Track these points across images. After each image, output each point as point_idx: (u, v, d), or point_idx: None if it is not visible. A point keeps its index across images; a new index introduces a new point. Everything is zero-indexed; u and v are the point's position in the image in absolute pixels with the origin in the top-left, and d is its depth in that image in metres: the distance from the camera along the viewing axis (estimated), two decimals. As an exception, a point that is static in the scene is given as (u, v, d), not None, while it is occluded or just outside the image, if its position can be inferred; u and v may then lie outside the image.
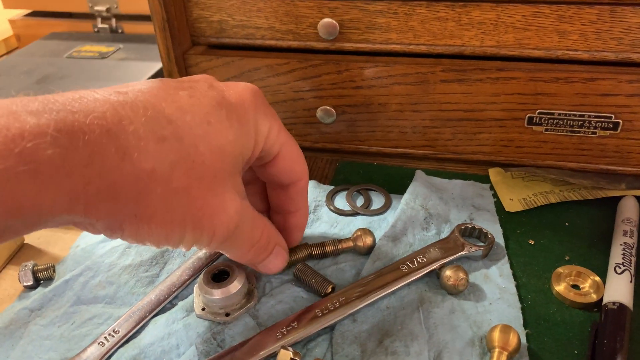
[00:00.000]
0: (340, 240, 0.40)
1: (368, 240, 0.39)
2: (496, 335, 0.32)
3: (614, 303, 0.33)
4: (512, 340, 0.31)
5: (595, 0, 0.39)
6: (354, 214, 0.45)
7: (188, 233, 0.28)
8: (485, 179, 0.47)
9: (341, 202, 0.46)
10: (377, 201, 0.46)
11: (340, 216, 0.44)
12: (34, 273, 0.39)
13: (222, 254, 0.41)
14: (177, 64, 0.48)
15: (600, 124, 0.43)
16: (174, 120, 0.27)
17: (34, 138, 0.21)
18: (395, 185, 0.47)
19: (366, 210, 0.45)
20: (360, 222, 0.44)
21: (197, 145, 0.27)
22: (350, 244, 0.40)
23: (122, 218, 0.25)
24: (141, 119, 0.25)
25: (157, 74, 0.62)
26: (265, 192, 0.39)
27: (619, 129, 0.43)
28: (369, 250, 0.39)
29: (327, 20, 0.44)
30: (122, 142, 0.24)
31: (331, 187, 0.47)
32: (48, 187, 0.22)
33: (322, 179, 0.49)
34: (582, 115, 0.43)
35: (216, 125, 0.28)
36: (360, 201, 0.46)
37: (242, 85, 0.32)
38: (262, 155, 0.33)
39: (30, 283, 0.39)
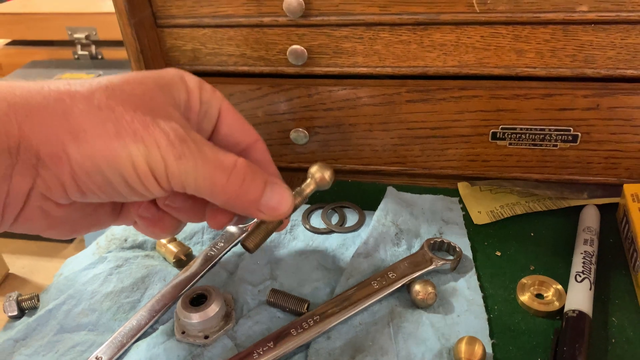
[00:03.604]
0: (302, 189, 0.37)
1: (327, 173, 0.36)
2: (462, 347, 0.33)
3: (573, 311, 0.35)
4: (478, 351, 0.33)
5: (548, 21, 0.41)
6: (329, 231, 0.46)
7: (131, 146, 0.27)
8: (455, 193, 0.49)
9: (317, 220, 0.47)
10: (352, 218, 0.48)
11: (316, 234, 0.46)
12: (19, 303, 0.40)
13: (201, 277, 0.42)
14: (153, 93, 0.50)
15: (560, 137, 0.45)
16: (92, 79, 0.30)
17: None
18: (370, 202, 0.49)
19: (341, 227, 0.46)
20: (335, 239, 0.45)
21: (111, 79, 0.30)
22: (312, 185, 0.37)
23: (59, 137, 0.27)
24: (60, 80, 0.29)
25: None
26: None
27: (578, 140, 0.45)
28: (330, 183, 0.37)
29: (295, 46, 0.46)
30: (41, 83, 0.28)
31: (307, 206, 0.49)
32: None
33: (298, 199, 0.50)
34: (543, 129, 0.45)
35: (135, 74, 0.31)
36: (335, 219, 0.48)
37: None
38: (206, 110, 0.34)
39: (15, 313, 0.40)
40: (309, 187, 0.36)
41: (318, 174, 0.36)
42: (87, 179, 0.28)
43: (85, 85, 0.28)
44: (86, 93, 0.28)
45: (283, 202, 0.32)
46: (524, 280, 0.39)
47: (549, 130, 0.45)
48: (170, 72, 0.33)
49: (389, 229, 0.44)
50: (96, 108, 0.27)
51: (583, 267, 0.38)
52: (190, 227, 0.47)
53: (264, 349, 0.35)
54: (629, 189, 0.42)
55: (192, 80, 0.34)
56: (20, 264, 0.45)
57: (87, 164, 0.27)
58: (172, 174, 0.29)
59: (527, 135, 0.45)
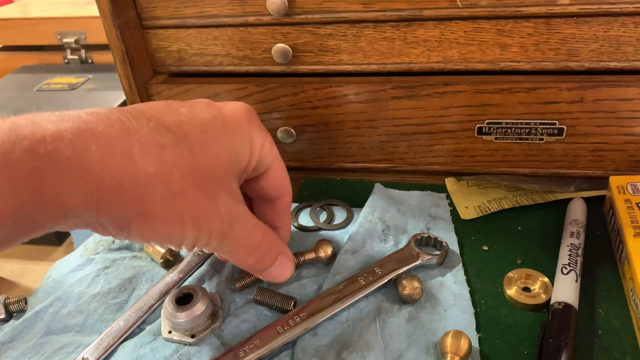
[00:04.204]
0: (302, 253, 0.41)
1: (328, 250, 0.41)
2: (448, 341, 0.33)
3: (559, 303, 0.35)
4: (463, 345, 0.33)
5: (530, 14, 0.41)
6: (317, 229, 0.46)
7: (187, 231, 0.30)
8: (442, 189, 0.49)
9: (305, 218, 0.47)
10: (340, 216, 0.47)
11: (304, 232, 0.46)
12: (6, 306, 0.40)
13: (189, 277, 0.42)
14: (140, 94, 0.50)
15: (546, 131, 0.45)
16: (173, 130, 0.30)
17: (54, 141, 0.25)
18: (359, 199, 0.48)
19: (329, 225, 0.46)
20: (323, 236, 0.45)
21: (194, 150, 0.30)
22: (312, 254, 0.41)
23: (130, 217, 0.28)
24: (144, 129, 0.29)
25: (125, 104, 0.64)
26: (250, 208, 0.40)
27: (564, 134, 0.45)
28: (330, 260, 0.41)
29: (280, 45, 0.46)
30: (128, 148, 0.28)
31: (295, 205, 0.49)
32: (69, 182, 0.25)
33: (286, 197, 0.50)
34: (529, 123, 0.45)
35: (212, 133, 0.32)
36: (323, 217, 0.48)
37: (237, 103, 0.36)
38: (256, 166, 0.36)
39: (2, 316, 0.40)
40: (309, 255, 0.41)
41: (322, 252, 0.41)
42: (135, 240, 0.30)
43: (168, 162, 0.29)
44: (165, 176, 0.29)
45: (285, 273, 0.37)
46: (510, 274, 0.39)
47: (535, 124, 0.45)
48: (243, 127, 0.34)
49: (375, 225, 0.44)
50: (171, 194, 0.29)
51: (569, 259, 0.38)
52: (178, 227, 0.47)
53: (250, 346, 0.35)
54: (615, 181, 0.42)
55: (258, 139, 0.34)
56: (9, 267, 0.45)
57: (143, 239, 0.30)
58: (210, 249, 0.32)
59: (513, 129, 0.45)
